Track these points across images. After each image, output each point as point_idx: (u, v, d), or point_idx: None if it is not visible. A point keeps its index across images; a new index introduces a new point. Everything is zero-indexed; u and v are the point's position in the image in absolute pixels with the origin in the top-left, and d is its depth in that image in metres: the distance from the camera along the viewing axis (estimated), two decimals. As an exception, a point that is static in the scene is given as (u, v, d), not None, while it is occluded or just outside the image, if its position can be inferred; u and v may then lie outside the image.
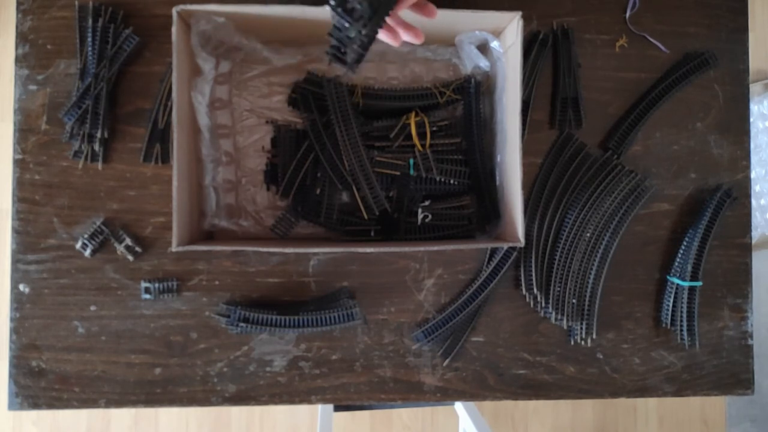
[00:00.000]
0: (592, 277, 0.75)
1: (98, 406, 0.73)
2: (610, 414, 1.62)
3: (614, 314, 0.78)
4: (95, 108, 0.71)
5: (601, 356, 0.78)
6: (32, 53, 0.73)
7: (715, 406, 1.65)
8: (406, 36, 0.56)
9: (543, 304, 0.76)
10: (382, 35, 0.56)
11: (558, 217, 0.76)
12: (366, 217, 0.71)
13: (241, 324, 0.68)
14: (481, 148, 0.73)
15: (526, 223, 0.75)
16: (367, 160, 0.69)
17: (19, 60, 0.73)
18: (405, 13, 0.56)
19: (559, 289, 0.75)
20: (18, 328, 0.73)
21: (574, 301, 0.75)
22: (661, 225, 0.79)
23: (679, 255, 0.77)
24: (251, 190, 0.75)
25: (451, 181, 0.72)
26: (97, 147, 0.72)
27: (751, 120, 1.03)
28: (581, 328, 0.76)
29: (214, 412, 1.54)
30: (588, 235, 0.75)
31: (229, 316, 0.69)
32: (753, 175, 1.21)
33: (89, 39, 0.71)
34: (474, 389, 0.77)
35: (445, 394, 0.76)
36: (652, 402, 1.64)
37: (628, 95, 0.79)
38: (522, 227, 0.64)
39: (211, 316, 0.74)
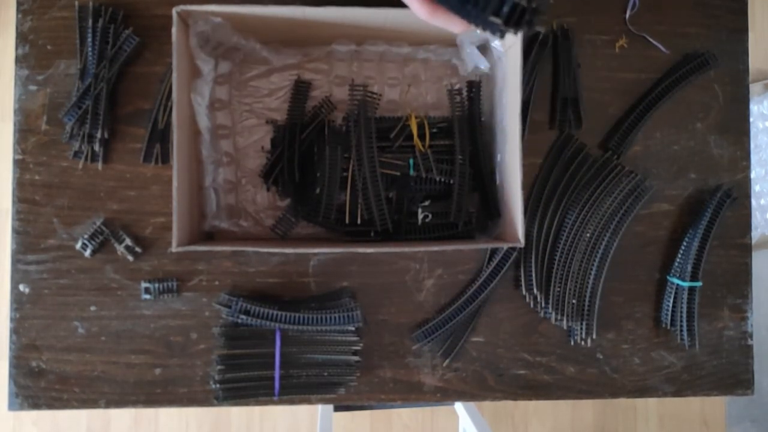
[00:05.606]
0: (592, 277, 0.75)
1: (98, 407, 0.73)
2: (610, 414, 1.62)
3: (614, 314, 0.78)
4: (95, 108, 0.71)
5: (601, 356, 0.78)
6: (32, 53, 0.73)
7: (715, 406, 1.65)
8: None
9: (543, 305, 0.76)
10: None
11: (558, 217, 0.76)
12: (358, 219, 0.71)
13: (242, 316, 0.68)
14: (481, 148, 0.73)
15: (526, 223, 0.75)
16: (382, 187, 0.70)
17: (19, 60, 0.73)
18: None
19: (559, 289, 0.75)
20: (18, 328, 0.73)
21: (574, 301, 0.75)
22: (661, 225, 0.79)
23: (679, 255, 0.77)
24: (251, 191, 0.75)
25: (451, 181, 0.72)
26: (97, 147, 0.72)
27: (751, 120, 1.03)
28: (581, 329, 0.76)
29: (214, 412, 1.54)
30: (588, 235, 0.75)
31: (230, 307, 0.69)
32: (753, 175, 1.21)
33: (89, 39, 0.71)
34: (474, 389, 0.77)
35: (445, 395, 0.76)
36: (652, 402, 1.64)
37: (628, 95, 0.79)
38: (522, 227, 0.64)
39: (211, 317, 0.74)
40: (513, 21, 0.34)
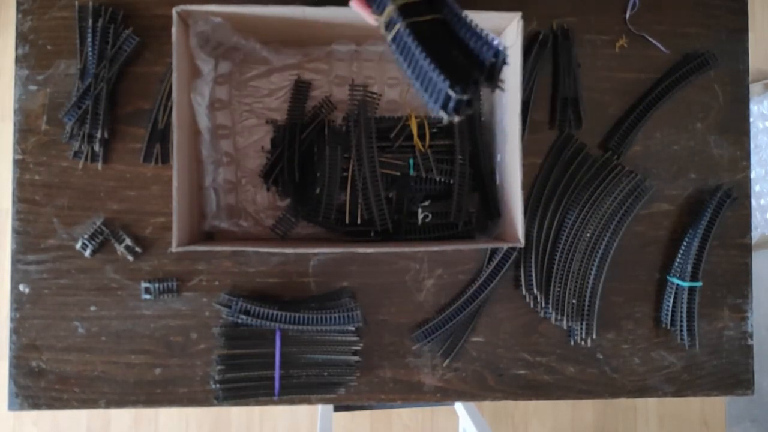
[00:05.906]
0: (592, 277, 0.75)
1: (98, 407, 0.73)
2: (610, 414, 1.62)
3: (614, 314, 0.78)
4: (95, 108, 0.71)
5: (601, 356, 0.78)
6: (32, 53, 0.73)
7: (715, 406, 1.65)
8: None
9: (543, 305, 0.76)
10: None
11: (558, 217, 0.76)
12: (358, 219, 0.71)
13: (242, 316, 0.68)
14: (481, 148, 0.73)
15: (526, 223, 0.75)
16: (382, 187, 0.70)
17: (19, 60, 0.73)
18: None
19: (559, 289, 0.75)
20: (18, 328, 0.73)
21: (574, 301, 0.75)
22: (661, 225, 0.79)
23: (679, 255, 0.77)
24: (251, 191, 0.75)
25: (451, 181, 0.72)
26: (97, 147, 0.72)
27: (751, 120, 1.03)
28: (581, 329, 0.76)
29: (214, 412, 1.54)
30: (588, 235, 0.75)
31: (230, 307, 0.69)
32: (753, 175, 1.21)
33: (89, 39, 0.71)
34: (474, 389, 0.77)
35: (445, 395, 0.76)
36: (652, 402, 1.64)
37: (628, 95, 0.79)
38: (522, 227, 0.64)
39: (211, 317, 0.74)
40: (461, 112, 0.39)
